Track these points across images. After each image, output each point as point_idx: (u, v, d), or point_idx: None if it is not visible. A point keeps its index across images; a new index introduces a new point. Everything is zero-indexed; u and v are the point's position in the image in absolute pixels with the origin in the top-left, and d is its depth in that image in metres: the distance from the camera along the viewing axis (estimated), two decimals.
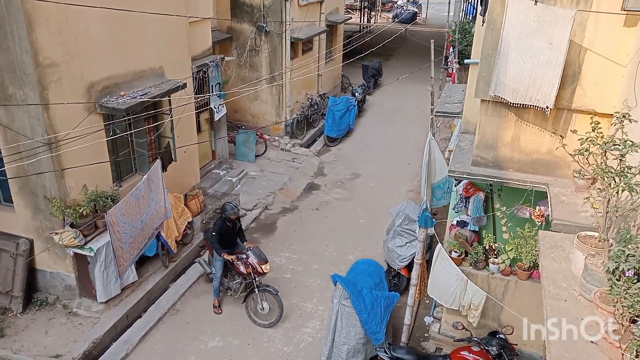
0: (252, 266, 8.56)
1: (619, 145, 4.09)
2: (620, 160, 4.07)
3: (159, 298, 9.33)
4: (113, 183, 8.91)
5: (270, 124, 16.13)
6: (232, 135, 14.82)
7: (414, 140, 16.81)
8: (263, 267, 8.62)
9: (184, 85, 9.66)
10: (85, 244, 8.06)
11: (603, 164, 4.22)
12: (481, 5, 7.47)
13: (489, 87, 6.16)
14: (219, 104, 12.76)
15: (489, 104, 6.46)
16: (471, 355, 6.83)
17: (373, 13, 32.51)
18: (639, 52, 5.17)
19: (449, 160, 8.15)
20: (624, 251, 3.57)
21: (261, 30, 15.17)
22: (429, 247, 9.22)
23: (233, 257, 8.64)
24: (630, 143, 4.03)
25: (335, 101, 16.81)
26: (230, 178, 13.40)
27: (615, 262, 3.56)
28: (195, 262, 10.03)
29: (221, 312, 9.13)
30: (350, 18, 24.09)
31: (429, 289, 7.82)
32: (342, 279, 7.82)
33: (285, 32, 15.20)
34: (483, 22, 6.93)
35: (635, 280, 3.40)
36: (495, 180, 6.69)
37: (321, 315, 9.18)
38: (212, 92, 12.31)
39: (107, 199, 8.23)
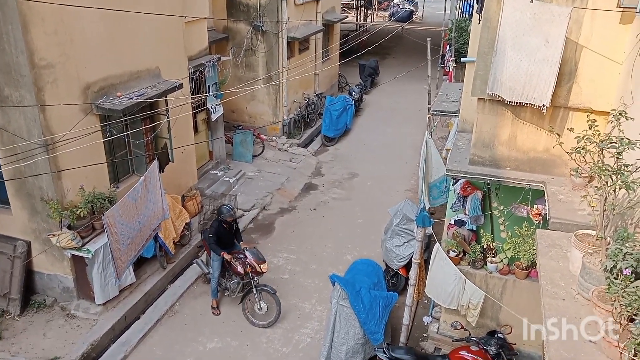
0: (250, 266, 8.56)
1: (616, 143, 4.08)
2: (617, 158, 4.07)
3: (157, 299, 9.31)
4: (110, 184, 8.89)
5: (268, 124, 16.11)
6: (230, 135, 14.81)
7: (411, 139, 16.81)
8: (261, 266, 8.61)
9: (181, 86, 9.64)
10: (83, 245, 8.04)
11: (600, 161, 4.22)
12: (477, 3, 7.48)
13: (485, 85, 6.16)
14: (216, 104, 12.75)
15: (485, 102, 6.45)
16: (470, 355, 6.83)
17: (369, 12, 32.52)
18: (635, 49, 5.16)
19: (446, 159, 8.15)
20: (622, 249, 3.57)
21: (257, 30, 15.15)
22: (427, 247, 9.22)
23: (231, 256, 8.63)
24: (627, 141, 4.03)
25: (332, 100, 16.80)
26: (227, 178, 13.38)
27: (613, 260, 3.55)
28: (193, 263, 10.01)
29: (219, 313, 9.12)
30: (347, 17, 24.13)
31: (427, 288, 7.82)
32: (341, 279, 7.81)
33: (282, 31, 15.19)
34: (479, 20, 6.93)
35: (633, 279, 3.40)
36: (492, 179, 6.69)
37: (320, 315, 9.17)
38: (209, 92, 12.28)
39: (105, 200, 8.21)
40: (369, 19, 31.71)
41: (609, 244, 3.96)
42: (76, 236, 7.94)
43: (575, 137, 4.46)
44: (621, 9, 5.45)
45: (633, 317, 3.25)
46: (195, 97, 11.53)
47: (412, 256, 7.90)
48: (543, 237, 4.96)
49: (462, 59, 8.54)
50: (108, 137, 8.40)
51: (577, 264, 4.19)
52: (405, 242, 9.19)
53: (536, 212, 6.55)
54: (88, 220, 8.09)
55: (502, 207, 7.11)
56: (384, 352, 7.16)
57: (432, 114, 9.48)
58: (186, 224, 10.29)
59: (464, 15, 21.00)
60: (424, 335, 8.68)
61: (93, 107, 8.14)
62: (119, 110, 8.15)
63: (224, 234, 8.91)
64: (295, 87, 16.86)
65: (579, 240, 4.28)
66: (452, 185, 8.34)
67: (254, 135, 14.98)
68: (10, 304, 8.41)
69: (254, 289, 8.66)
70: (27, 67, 7.04)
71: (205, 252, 9.61)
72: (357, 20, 30.19)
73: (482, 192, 7.75)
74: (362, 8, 31.21)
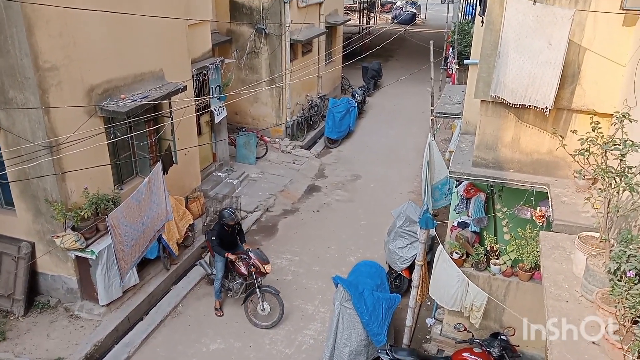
0: (254, 266, 8.57)
1: (619, 145, 4.08)
2: (621, 160, 4.07)
3: (161, 301, 9.33)
4: (114, 186, 8.92)
5: (271, 126, 16.13)
6: (233, 137, 14.83)
7: (414, 141, 16.81)
8: (265, 267, 8.63)
9: (184, 88, 9.67)
10: (87, 246, 8.07)
11: (603, 164, 4.22)
12: (480, 5, 7.48)
13: (488, 87, 6.16)
14: (219, 107, 12.77)
15: (488, 104, 6.46)
16: (473, 356, 6.82)
17: (372, 14, 32.51)
18: (639, 51, 5.16)
19: (449, 161, 8.15)
20: (625, 251, 3.57)
21: (260, 32, 15.17)
22: (430, 249, 9.21)
23: (235, 257, 8.65)
24: (631, 143, 4.03)
25: (335, 103, 16.82)
26: (231, 180, 13.40)
27: (617, 262, 3.55)
28: (197, 264, 10.03)
29: (222, 315, 9.13)
30: (350, 19, 24.10)
31: (430, 290, 7.81)
32: (344, 281, 7.82)
33: (285, 34, 15.21)
34: (482, 22, 6.93)
35: (637, 281, 3.39)
36: (495, 181, 6.68)
37: (322, 317, 9.17)
38: (212, 94, 12.31)
39: (109, 201, 8.24)
40: (371, 22, 31.71)
41: (613, 246, 3.95)
42: (80, 237, 7.97)
43: (579, 139, 4.46)
44: (624, 11, 5.45)
45: (637, 319, 3.24)
46: (198, 100, 11.56)
47: (415, 258, 7.90)
48: (546, 239, 4.95)
49: (465, 62, 8.55)
50: (112, 139, 8.42)
51: (581, 266, 4.19)
52: (408, 244, 9.19)
53: (539, 214, 6.54)
54: (92, 222, 8.12)
55: (505, 209, 7.10)
56: (387, 354, 7.16)
57: (435, 116, 9.48)
58: (190, 225, 10.32)
59: (466, 17, 21.02)
60: (427, 337, 8.68)
61: (97, 109, 8.17)
62: (123, 113, 8.18)
63: (226, 237, 8.93)
64: (298, 90, 16.89)
65: (582, 242, 4.28)
66: (456, 187, 8.34)
67: (257, 137, 15.01)
68: (15, 304, 8.44)
69: (257, 290, 8.67)
70: (31, 70, 7.07)
71: (209, 252, 9.62)
72: (359, 23, 30.19)
73: (486, 194, 7.74)
74: (365, 11, 31.23)
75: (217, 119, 12.80)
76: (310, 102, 17.49)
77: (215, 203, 11.71)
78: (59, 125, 7.56)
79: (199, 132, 12.41)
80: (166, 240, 9.48)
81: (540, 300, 4.32)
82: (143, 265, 9.35)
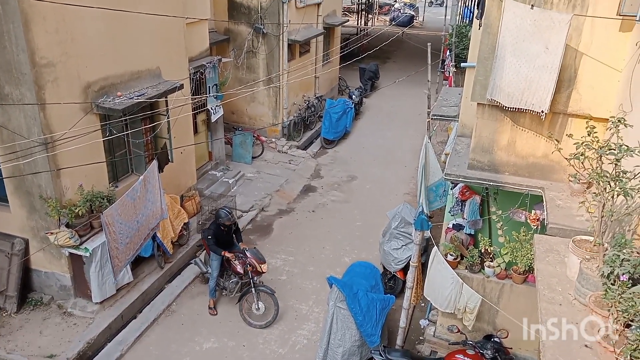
0: (251, 265, 8.56)
1: (615, 150, 4.10)
2: (616, 164, 4.09)
3: (154, 299, 9.31)
4: (109, 183, 8.90)
5: (267, 126, 16.13)
6: (229, 136, 14.82)
7: (411, 143, 16.84)
8: (262, 266, 8.62)
9: (181, 86, 9.65)
10: (81, 244, 8.04)
11: (598, 168, 4.23)
12: (478, 9, 7.50)
13: (485, 90, 6.18)
14: (216, 105, 12.76)
15: (485, 107, 6.48)
16: (466, 358, 6.84)
17: (370, 16, 32.57)
18: (635, 57, 5.19)
19: (445, 163, 8.16)
20: (619, 255, 3.58)
21: (258, 32, 15.17)
22: (425, 250, 9.24)
23: (232, 255, 8.64)
24: (626, 148, 4.05)
25: (332, 103, 16.83)
26: (226, 179, 13.39)
27: (610, 266, 3.57)
28: (191, 263, 10.01)
29: (216, 314, 9.12)
30: (348, 20, 24.14)
31: (424, 292, 7.83)
32: (338, 281, 7.82)
33: (283, 34, 15.21)
34: (480, 26, 6.96)
35: (630, 285, 3.41)
36: (491, 183, 6.71)
37: (317, 317, 9.18)
38: (209, 93, 12.30)
39: (103, 199, 8.22)
40: (369, 23, 31.75)
41: (607, 250, 3.97)
42: (74, 234, 7.95)
43: (574, 144, 4.47)
44: (621, 17, 5.49)
45: (629, 322, 3.26)
46: (195, 98, 11.54)
47: (409, 259, 7.91)
48: (541, 242, 4.97)
49: (462, 64, 8.57)
50: (108, 136, 8.41)
51: (575, 270, 4.20)
52: (403, 245, 9.21)
53: (534, 217, 6.56)
54: (86, 219, 8.09)
55: (500, 211, 7.12)
56: (381, 355, 7.17)
57: (432, 118, 9.49)
58: (184, 224, 10.30)
59: (464, 20, 21.04)
60: (421, 338, 8.70)
61: (93, 106, 8.14)
62: (119, 110, 8.16)
63: (222, 236, 8.92)
64: (295, 90, 16.88)
65: (576, 245, 4.29)
66: (451, 189, 8.36)
67: (253, 136, 14.99)
68: (7, 301, 8.40)
69: (252, 289, 8.67)
70: (27, 66, 7.05)
71: (204, 251, 9.60)
72: (357, 24, 30.22)
73: (481, 196, 7.77)
74: (363, 12, 31.26)
75: (213, 118, 12.79)
76: (307, 102, 17.50)
77: (211, 202, 11.70)
78: (55, 121, 7.53)
79: (195, 131, 12.39)
80: (161, 239, 9.45)
81: (533, 303, 4.33)
82: (137, 263, 9.32)
